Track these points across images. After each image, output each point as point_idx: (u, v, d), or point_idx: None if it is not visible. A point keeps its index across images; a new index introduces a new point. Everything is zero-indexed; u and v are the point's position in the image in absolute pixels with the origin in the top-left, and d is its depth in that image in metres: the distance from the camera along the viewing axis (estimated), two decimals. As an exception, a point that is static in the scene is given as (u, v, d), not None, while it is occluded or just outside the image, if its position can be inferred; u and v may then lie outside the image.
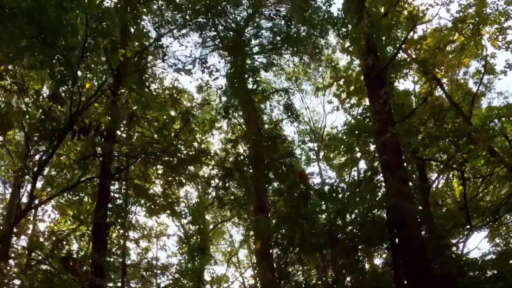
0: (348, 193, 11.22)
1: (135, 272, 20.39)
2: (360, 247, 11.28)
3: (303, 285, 13.70)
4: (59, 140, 8.49)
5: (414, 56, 19.22)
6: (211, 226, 25.21)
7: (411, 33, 17.37)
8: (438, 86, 18.51)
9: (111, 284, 17.83)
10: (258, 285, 15.67)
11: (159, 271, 18.71)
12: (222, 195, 20.80)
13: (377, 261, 14.03)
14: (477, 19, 19.43)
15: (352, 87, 14.38)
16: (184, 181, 16.30)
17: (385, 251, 12.16)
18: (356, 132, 15.64)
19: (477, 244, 44.18)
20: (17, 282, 16.04)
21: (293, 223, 10.84)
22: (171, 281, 18.45)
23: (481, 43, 20.42)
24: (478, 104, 22.87)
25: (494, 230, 20.49)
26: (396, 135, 11.90)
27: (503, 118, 19.30)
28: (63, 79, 8.21)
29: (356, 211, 11.04)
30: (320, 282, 12.06)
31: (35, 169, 9.34)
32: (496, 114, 19.21)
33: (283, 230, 11.32)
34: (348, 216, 11.12)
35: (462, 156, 15.48)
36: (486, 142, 16.29)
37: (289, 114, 20.20)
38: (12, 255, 17.18)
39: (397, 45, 13.53)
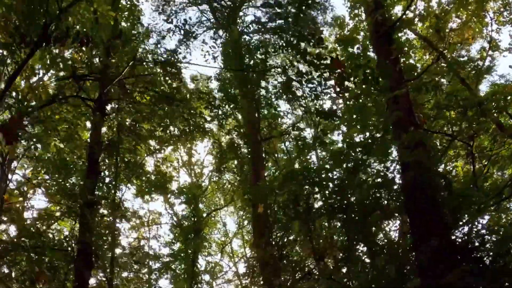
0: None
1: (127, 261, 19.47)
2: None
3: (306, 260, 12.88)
4: (30, 53, 7.44)
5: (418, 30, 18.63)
6: (204, 215, 24.33)
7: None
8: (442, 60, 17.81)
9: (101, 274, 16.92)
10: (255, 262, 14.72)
11: (151, 253, 17.68)
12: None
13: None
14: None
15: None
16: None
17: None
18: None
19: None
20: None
21: (302, 178, 9.92)
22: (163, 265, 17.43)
23: (484, 19, 19.82)
24: (477, 88, 22.27)
25: (497, 214, 19.77)
26: (408, 93, 11.16)
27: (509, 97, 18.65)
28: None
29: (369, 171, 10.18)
30: (328, 253, 11.16)
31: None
32: (502, 92, 18.52)
33: (292, 187, 10.33)
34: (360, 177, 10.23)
35: (472, 128, 14.77)
36: (493, 116, 15.66)
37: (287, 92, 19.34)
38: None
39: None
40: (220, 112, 17.25)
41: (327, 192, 10.26)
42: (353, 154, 10.41)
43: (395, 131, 10.59)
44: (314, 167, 10.52)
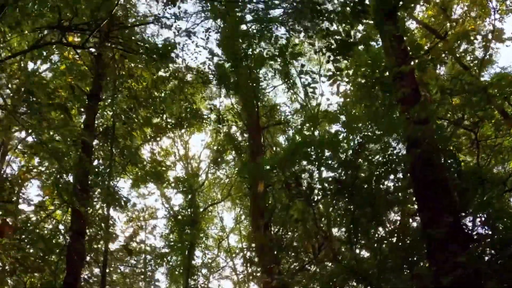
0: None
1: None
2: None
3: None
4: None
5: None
6: (201, 210, 23.88)
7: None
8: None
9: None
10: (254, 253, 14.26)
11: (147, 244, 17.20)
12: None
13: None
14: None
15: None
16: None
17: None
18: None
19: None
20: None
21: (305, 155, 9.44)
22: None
23: (487, 8, 19.51)
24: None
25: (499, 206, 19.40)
26: (413, 71, 10.78)
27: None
28: None
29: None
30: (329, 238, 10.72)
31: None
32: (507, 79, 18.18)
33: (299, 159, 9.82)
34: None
35: (476, 115, 14.39)
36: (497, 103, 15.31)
37: (286, 80, 18.98)
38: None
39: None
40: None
41: (330, 171, 9.81)
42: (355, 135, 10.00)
43: (402, 108, 10.21)
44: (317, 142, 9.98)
